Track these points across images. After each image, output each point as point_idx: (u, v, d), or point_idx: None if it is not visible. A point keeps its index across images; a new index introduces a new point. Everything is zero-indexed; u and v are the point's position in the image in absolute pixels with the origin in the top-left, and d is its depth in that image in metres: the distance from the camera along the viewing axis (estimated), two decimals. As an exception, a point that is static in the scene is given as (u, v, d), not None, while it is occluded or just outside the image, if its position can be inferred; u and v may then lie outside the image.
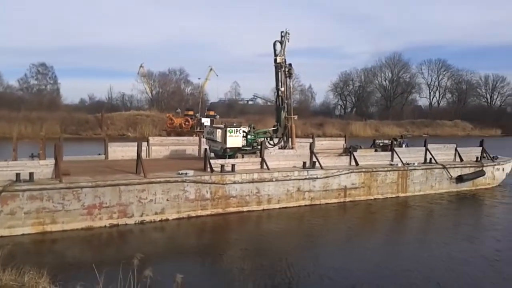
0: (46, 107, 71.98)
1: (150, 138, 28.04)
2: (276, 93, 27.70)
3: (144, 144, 25.54)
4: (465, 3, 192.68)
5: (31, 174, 16.66)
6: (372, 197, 24.67)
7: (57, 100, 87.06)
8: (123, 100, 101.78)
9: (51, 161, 17.93)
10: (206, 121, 54.35)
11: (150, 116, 74.45)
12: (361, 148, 29.53)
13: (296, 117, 27.71)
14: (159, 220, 18.53)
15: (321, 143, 31.07)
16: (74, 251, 15.19)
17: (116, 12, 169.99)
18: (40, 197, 16.28)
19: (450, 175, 27.81)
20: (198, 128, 54.98)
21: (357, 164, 24.81)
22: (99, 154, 25.66)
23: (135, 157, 19.68)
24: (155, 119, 72.48)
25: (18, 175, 16.39)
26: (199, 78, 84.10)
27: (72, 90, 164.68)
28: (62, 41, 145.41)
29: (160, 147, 27.20)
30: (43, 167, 17.57)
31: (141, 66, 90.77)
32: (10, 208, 15.77)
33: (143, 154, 21.90)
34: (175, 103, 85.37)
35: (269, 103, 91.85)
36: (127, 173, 19.29)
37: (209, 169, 20.54)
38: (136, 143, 20.73)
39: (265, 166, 22.07)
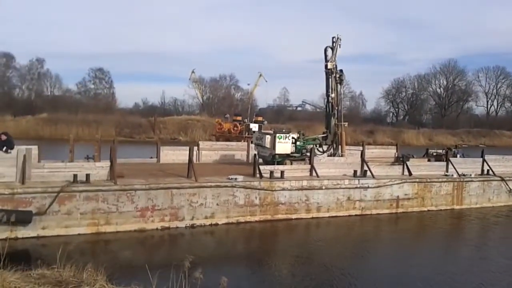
0: (102, 111, 74.83)
1: (200, 143, 28.41)
2: (326, 100, 27.40)
3: (194, 148, 25.84)
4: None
5: (87, 176, 17.14)
6: (425, 209, 23.78)
7: (112, 104, 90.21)
8: (175, 105, 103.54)
9: (106, 163, 18.42)
10: (254, 127, 54.55)
11: (200, 121, 75.35)
12: (413, 157, 28.58)
13: (346, 124, 27.23)
14: (209, 224, 18.66)
15: (371, 151, 30.27)
16: (127, 252, 15.56)
17: (170, 20, 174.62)
18: (96, 198, 16.72)
19: (509, 188, 26.37)
20: (246, 134, 55.27)
21: (410, 174, 24.02)
22: (151, 158, 26.21)
23: (186, 161, 19.99)
24: (206, 124, 73.27)
25: (75, 176, 16.91)
26: (248, 84, 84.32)
27: (127, 95, 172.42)
28: (118, 47, 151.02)
29: (209, 151, 27.47)
30: (99, 169, 18.08)
31: (192, 72, 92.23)
32: (67, 208, 16.24)
33: (193, 159, 22.17)
34: (225, 109, 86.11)
35: (318, 110, 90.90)
36: (178, 176, 19.58)
37: (258, 175, 20.54)
38: (187, 147, 21.04)
39: (314, 174, 21.79)
